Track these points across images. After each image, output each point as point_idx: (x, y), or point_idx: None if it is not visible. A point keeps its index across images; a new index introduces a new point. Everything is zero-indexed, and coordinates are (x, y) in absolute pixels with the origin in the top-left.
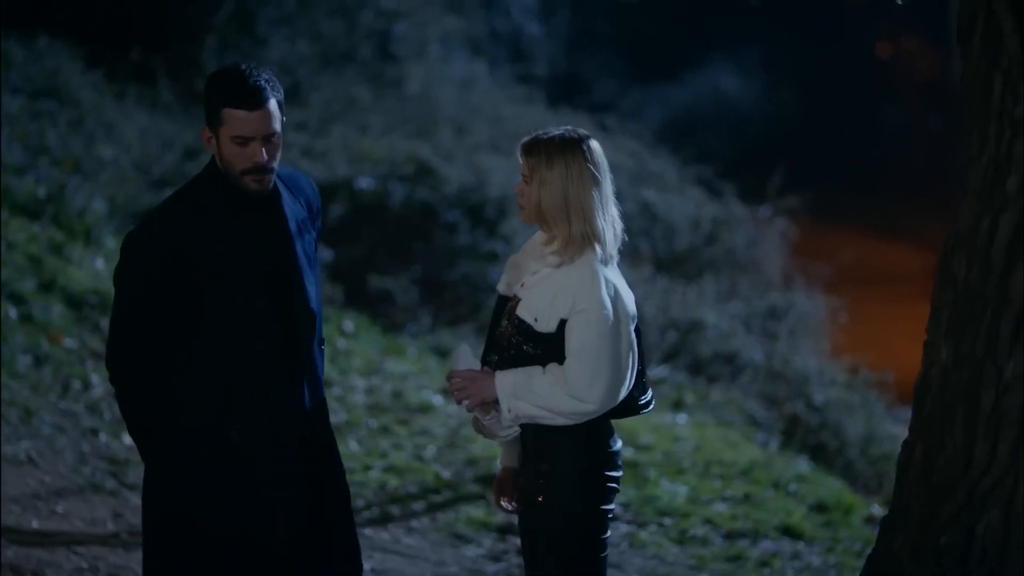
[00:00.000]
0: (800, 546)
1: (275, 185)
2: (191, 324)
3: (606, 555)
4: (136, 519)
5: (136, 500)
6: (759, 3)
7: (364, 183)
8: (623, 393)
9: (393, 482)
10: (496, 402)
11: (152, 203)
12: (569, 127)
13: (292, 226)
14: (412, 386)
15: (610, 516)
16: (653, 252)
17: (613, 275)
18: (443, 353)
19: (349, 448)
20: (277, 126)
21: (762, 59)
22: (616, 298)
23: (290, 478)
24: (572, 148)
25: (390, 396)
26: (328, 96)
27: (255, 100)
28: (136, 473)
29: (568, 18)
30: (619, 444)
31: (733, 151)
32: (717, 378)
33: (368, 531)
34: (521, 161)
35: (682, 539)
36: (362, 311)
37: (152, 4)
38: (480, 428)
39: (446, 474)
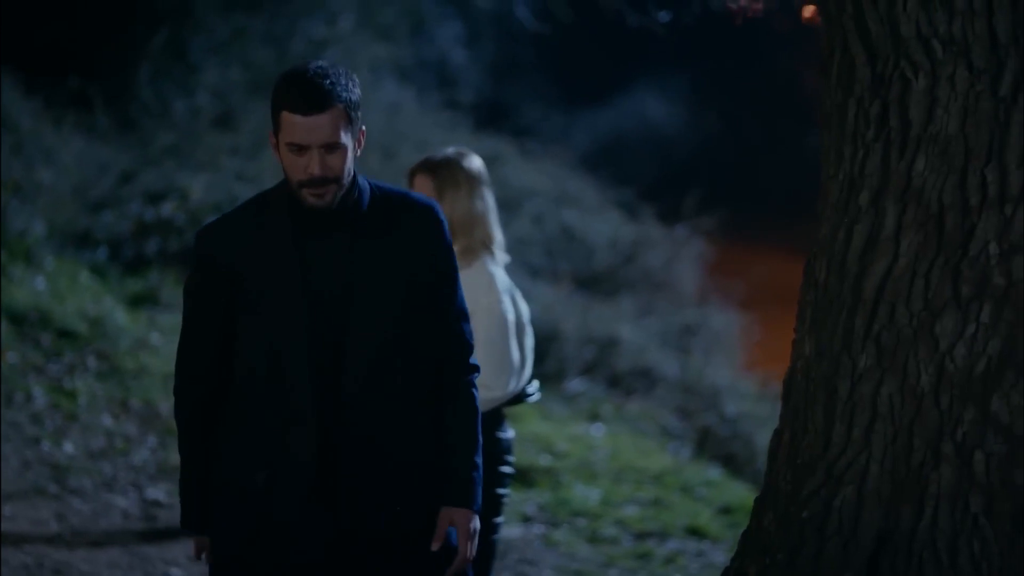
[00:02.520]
0: (705, 545)
1: (353, 202)
2: (234, 343)
3: (498, 537)
4: (77, 520)
5: (78, 503)
6: (669, 32)
7: None
8: (521, 383)
9: None
10: None
11: (89, 226)
12: (457, 147)
13: (364, 250)
14: None
15: (504, 500)
16: (573, 271)
17: (503, 276)
18: None
19: None
20: (341, 135)
21: (687, 85)
22: (510, 296)
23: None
24: (469, 165)
25: None
26: (260, 121)
27: (314, 103)
28: (77, 479)
29: (494, 45)
30: (511, 432)
31: (655, 174)
32: (633, 391)
33: None
34: (422, 181)
35: (594, 539)
36: None
37: (89, 33)
38: None
39: None
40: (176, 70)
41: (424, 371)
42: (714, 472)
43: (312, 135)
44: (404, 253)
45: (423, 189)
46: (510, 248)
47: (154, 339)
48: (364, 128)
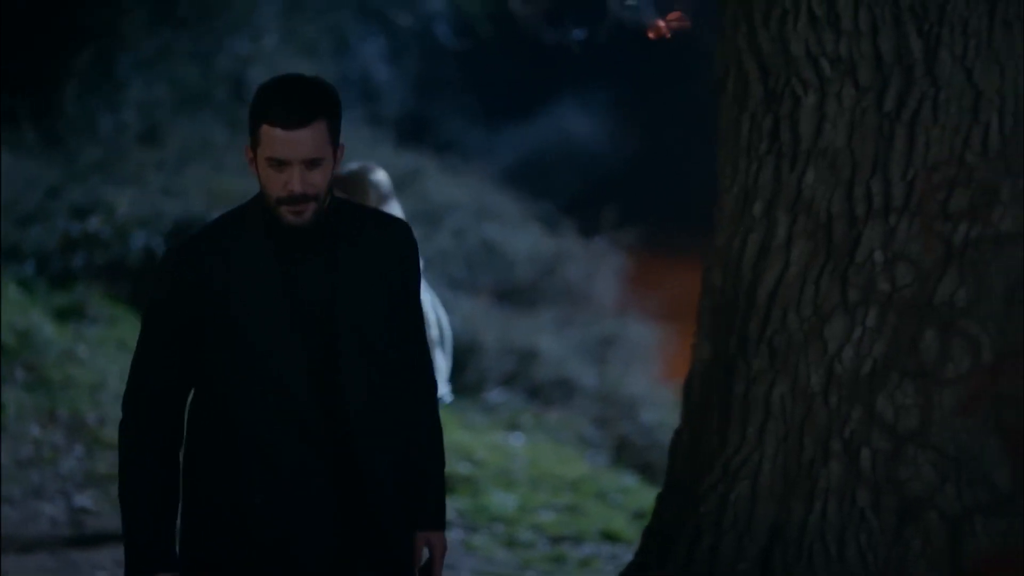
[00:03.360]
0: (619, 549)
1: (330, 219)
2: (203, 367)
3: None
4: (6, 526)
5: (7, 510)
6: (585, 49)
7: None
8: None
9: None
10: None
11: (16, 240)
12: (362, 163)
13: (346, 268)
14: None
15: None
16: (493, 284)
17: None
18: None
19: None
20: (323, 151)
21: (610, 101)
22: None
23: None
24: (376, 178)
25: None
26: (185, 136)
27: (297, 117)
28: (6, 487)
29: (416, 61)
30: None
31: (577, 189)
32: (552, 401)
33: None
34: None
35: (511, 543)
36: None
37: (15, 50)
38: None
39: None
40: (103, 86)
41: (401, 388)
42: (630, 479)
43: (294, 150)
44: (383, 270)
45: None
46: (431, 261)
47: (81, 351)
48: (343, 144)
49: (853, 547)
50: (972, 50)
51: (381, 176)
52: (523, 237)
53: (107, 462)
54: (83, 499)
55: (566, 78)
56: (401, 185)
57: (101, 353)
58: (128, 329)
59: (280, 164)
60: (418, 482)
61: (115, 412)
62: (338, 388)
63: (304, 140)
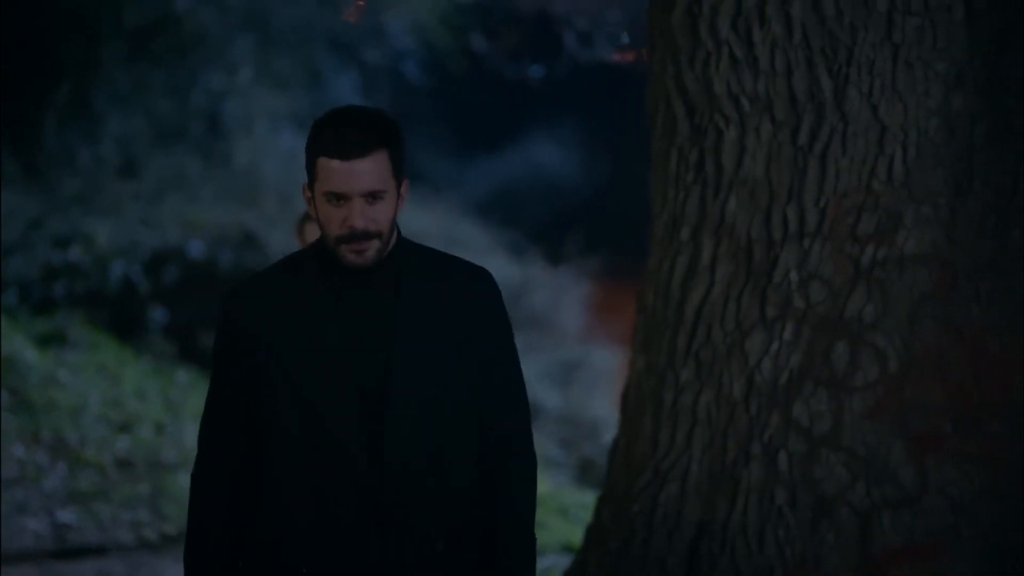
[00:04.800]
0: None
1: (396, 261)
2: (259, 418)
3: None
4: None
5: None
6: (549, 84)
7: (195, 249)
8: None
9: None
10: None
11: None
12: None
13: (407, 316)
14: None
15: None
16: None
17: None
18: None
19: (179, 482)
20: (385, 183)
21: (578, 134)
22: None
23: None
24: None
25: None
26: (161, 169)
27: (355, 147)
28: None
29: (388, 95)
30: None
31: (544, 218)
32: None
33: None
34: (312, 228)
35: None
36: (193, 365)
37: None
38: None
39: None
40: (81, 120)
41: (464, 447)
42: (591, 497)
43: (352, 182)
44: (450, 320)
45: (312, 235)
46: None
47: (62, 376)
48: (407, 179)
49: (772, 541)
50: (877, 89)
51: None
52: (491, 265)
53: (88, 480)
54: (65, 515)
55: (533, 112)
56: None
57: (82, 377)
58: (108, 354)
59: (338, 199)
60: (489, 548)
61: (95, 432)
62: (382, 436)
63: (363, 171)
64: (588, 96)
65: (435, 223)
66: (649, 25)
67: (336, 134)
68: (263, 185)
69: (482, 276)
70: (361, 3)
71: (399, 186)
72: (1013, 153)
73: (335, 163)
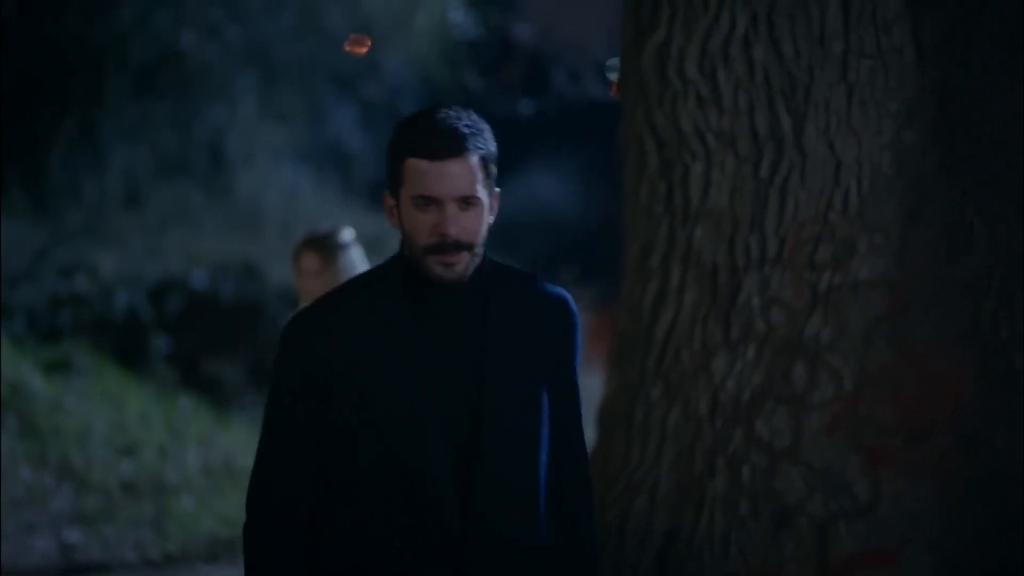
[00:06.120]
0: None
1: (483, 278)
2: (328, 455)
3: None
4: (5, 562)
5: (4, 546)
6: (535, 114)
7: (197, 280)
8: None
9: (224, 531)
10: None
11: (6, 298)
12: (328, 223)
13: (496, 339)
14: (239, 453)
15: None
16: None
17: None
18: None
19: (182, 504)
20: (479, 188)
21: (574, 166)
22: None
23: None
24: (343, 239)
25: (221, 461)
26: (165, 201)
27: (448, 147)
28: (3, 524)
29: (387, 128)
30: None
31: (541, 248)
32: None
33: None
34: (309, 257)
35: None
36: (195, 392)
37: (3, 118)
38: None
39: None
40: (87, 153)
41: (542, 481)
42: None
43: (445, 184)
44: (539, 346)
45: (310, 263)
46: None
47: (68, 401)
48: (499, 190)
49: (736, 549)
50: (833, 125)
51: (348, 235)
52: None
53: (93, 502)
54: (72, 535)
55: (529, 146)
56: (372, 247)
57: (87, 403)
58: (112, 381)
59: (428, 203)
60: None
61: (100, 455)
62: (476, 483)
63: (456, 173)
64: (583, 130)
65: None
66: (621, 66)
67: (426, 133)
68: (265, 217)
69: (566, 301)
70: (368, 43)
71: (491, 195)
72: (960, 185)
73: (425, 164)
